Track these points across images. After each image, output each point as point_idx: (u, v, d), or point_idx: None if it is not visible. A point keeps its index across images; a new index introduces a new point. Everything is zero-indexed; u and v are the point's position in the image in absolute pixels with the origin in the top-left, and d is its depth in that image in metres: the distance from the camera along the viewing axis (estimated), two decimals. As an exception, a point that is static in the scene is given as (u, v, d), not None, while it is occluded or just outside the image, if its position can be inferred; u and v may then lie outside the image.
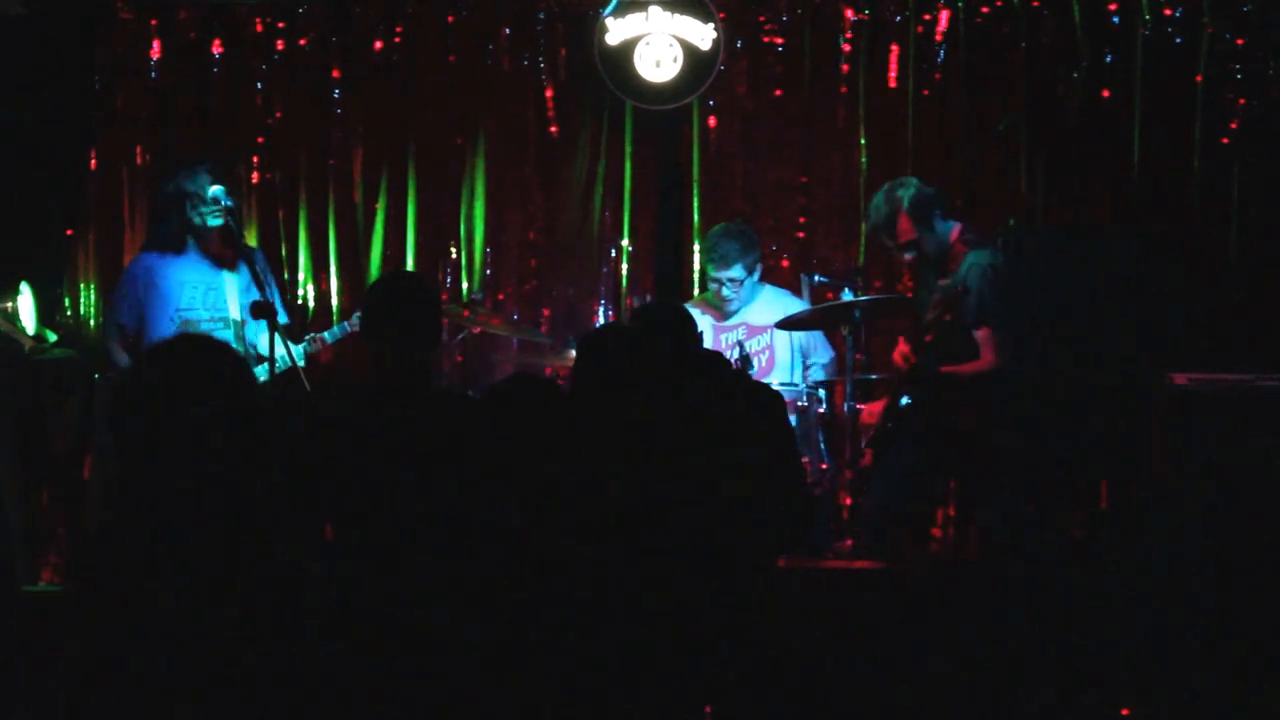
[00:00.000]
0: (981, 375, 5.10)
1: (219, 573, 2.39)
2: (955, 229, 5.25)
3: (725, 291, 5.76)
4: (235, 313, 5.21)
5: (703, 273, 6.25)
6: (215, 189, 5.05)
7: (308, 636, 2.47)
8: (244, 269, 5.12)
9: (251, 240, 6.23)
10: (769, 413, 3.73)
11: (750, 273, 5.76)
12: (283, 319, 5.01)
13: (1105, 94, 6.24)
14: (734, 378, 3.83)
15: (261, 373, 4.90)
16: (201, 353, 2.50)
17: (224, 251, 5.21)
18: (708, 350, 3.83)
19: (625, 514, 3.45)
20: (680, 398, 3.61)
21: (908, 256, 5.30)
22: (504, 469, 3.28)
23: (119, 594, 2.39)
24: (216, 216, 5.11)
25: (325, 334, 5.45)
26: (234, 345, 5.04)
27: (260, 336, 5.16)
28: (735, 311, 5.85)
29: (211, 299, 5.20)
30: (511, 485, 3.27)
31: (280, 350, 4.78)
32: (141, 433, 2.42)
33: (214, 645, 2.36)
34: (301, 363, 4.96)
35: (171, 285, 5.18)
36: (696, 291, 6.33)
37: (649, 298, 6.50)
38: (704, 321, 5.83)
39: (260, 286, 4.89)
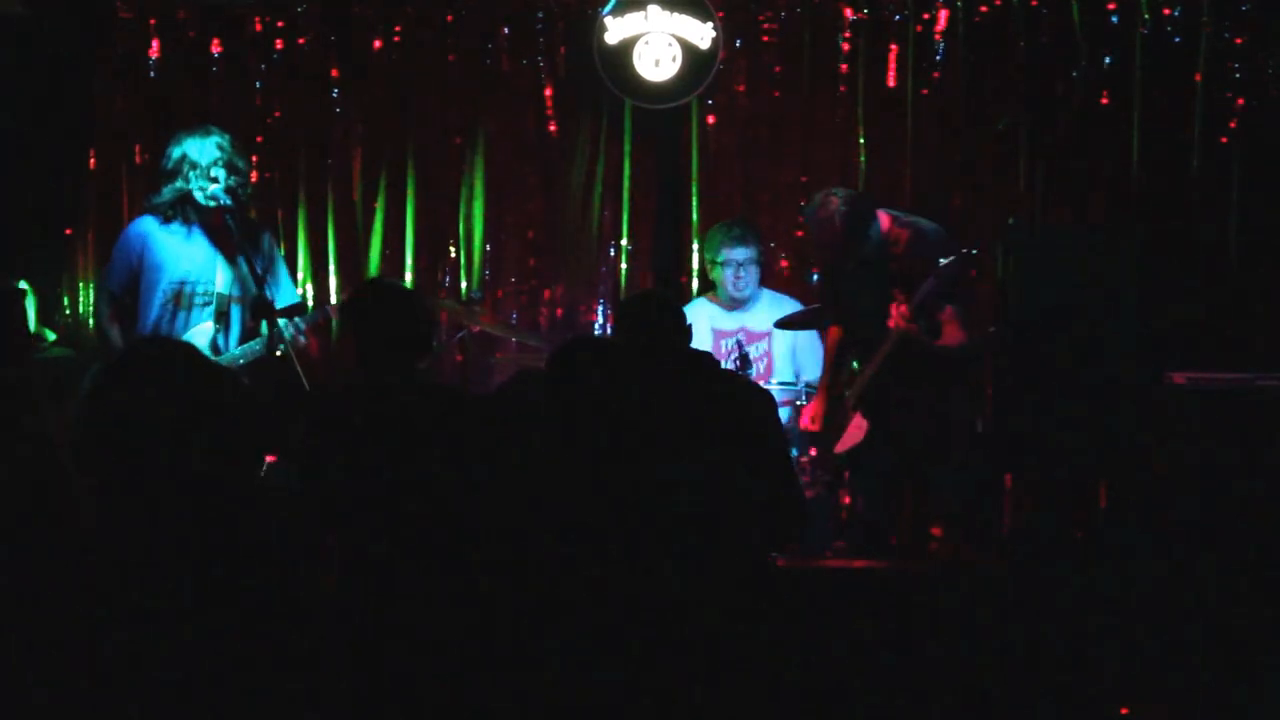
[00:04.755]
0: (960, 350, 5.16)
1: (208, 576, 2.39)
2: (884, 217, 5.28)
3: (740, 273, 5.75)
4: (222, 286, 5.10)
5: (702, 272, 6.26)
6: (215, 188, 4.98)
7: (305, 642, 2.47)
8: (236, 255, 5.08)
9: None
10: (756, 410, 3.73)
11: (758, 261, 5.78)
12: (294, 298, 5.13)
13: (1105, 94, 6.24)
14: (720, 376, 3.82)
15: (239, 351, 5.04)
16: (160, 366, 2.49)
17: (222, 224, 5.07)
18: (696, 350, 3.82)
19: (613, 513, 3.45)
20: (665, 397, 3.61)
21: (850, 266, 5.26)
22: (493, 465, 3.28)
23: (110, 594, 2.39)
24: (213, 199, 4.97)
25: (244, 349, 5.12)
26: (213, 322, 5.06)
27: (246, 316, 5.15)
28: (748, 299, 5.82)
29: (205, 272, 5.08)
30: (501, 482, 3.26)
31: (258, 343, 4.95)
32: (113, 448, 2.41)
33: (207, 646, 2.36)
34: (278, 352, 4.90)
35: (167, 253, 5.06)
36: (696, 290, 6.33)
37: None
38: (704, 326, 5.82)
39: (255, 276, 4.83)
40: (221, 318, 5.09)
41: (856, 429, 5.27)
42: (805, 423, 5.46)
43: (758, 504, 3.60)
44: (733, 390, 3.79)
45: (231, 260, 5.09)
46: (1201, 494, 4.84)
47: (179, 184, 5.02)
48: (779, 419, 3.82)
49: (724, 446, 3.59)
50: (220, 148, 5.03)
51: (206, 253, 5.09)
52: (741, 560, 3.60)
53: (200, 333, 5.06)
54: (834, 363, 5.58)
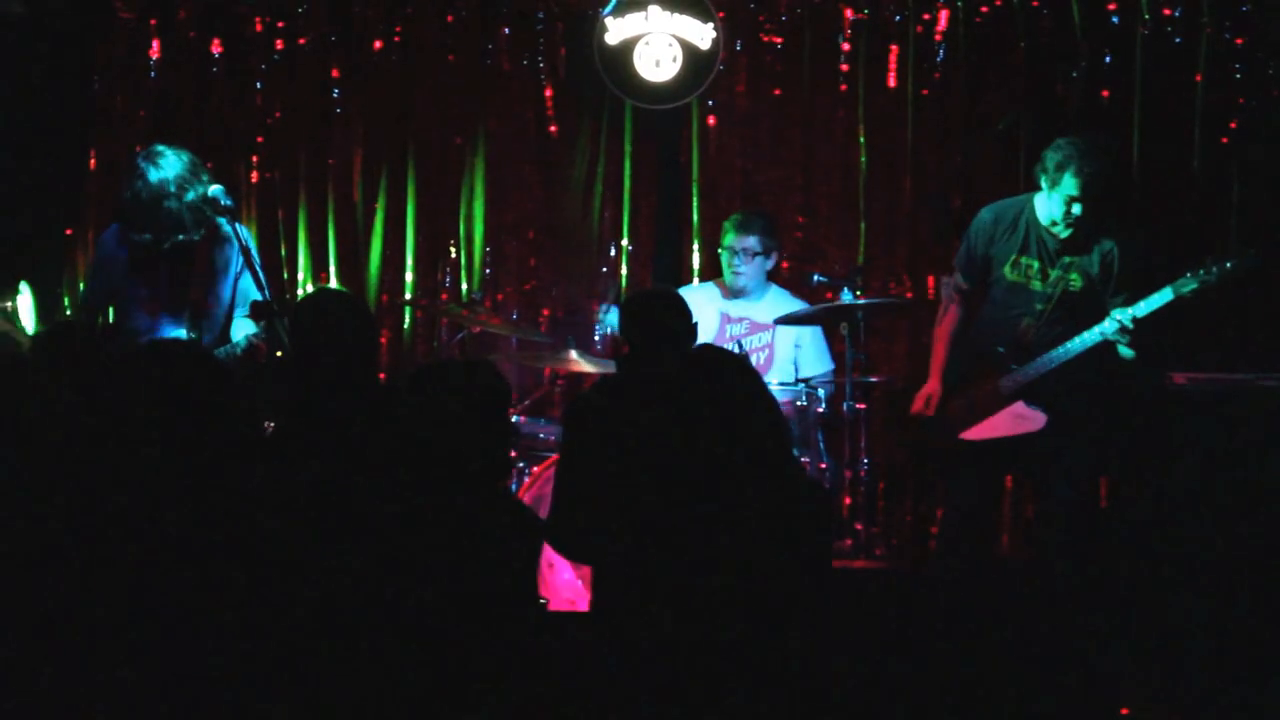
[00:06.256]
0: None
1: (209, 571, 2.39)
2: None
3: (737, 261, 5.77)
4: (195, 294, 5.10)
5: (703, 272, 6.27)
6: (215, 188, 4.97)
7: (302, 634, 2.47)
8: (220, 258, 5.12)
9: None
10: (757, 411, 3.71)
11: (766, 254, 5.80)
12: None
13: (1105, 94, 6.24)
14: (720, 376, 3.79)
15: (221, 352, 4.98)
16: (171, 360, 2.50)
17: (206, 231, 5.07)
18: (698, 348, 3.80)
19: (637, 521, 3.44)
20: (665, 402, 3.60)
21: (1074, 212, 4.92)
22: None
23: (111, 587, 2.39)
24: (212, 201, 4.93)
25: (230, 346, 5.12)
26: (182, 332, 5.06)
27: (232, 325, 5.16)
28: (744, 289, 5.83)
29: (175, 285, 5.10)
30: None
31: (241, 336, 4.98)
32: (121, 436, 2.42)
33: (204, 640, 2.36)
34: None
35: (137, 269, 5.09)
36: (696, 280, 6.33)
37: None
38: (712, 308, 5.84)
39: (257, 281, 4.83)
40: (196, 324, 5.09)
41: (1014, 419, 5.03)
42: (919, 405, 5.24)
43: (763, 505, 3.58)
44: (733, 391, 3.76)
45: (212, 267, 5.10)
46: (1202, 494, 4.83)
47: (161, 203, 4.95)
48: (782, 418, 3.79)
49: (725, 449, 3.57)
50: (194, 158, 5.04)
51: (182, 258, 5.09)
52: (744, 561, 3.58)
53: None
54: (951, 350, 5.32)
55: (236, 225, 4.93)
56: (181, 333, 5.08)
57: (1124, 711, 4.38)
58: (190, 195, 4.96)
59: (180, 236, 5.01)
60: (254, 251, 5.04)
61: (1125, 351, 4.90)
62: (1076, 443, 4.99)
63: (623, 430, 3.62)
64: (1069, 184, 4.87)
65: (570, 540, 3.73)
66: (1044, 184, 4.97)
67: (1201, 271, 4.76)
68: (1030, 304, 5.04)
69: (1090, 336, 4.86)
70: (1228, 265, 4.75)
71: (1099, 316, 4.89)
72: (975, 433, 5.08)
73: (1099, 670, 4.45)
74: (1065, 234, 4.99)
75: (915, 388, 5.35)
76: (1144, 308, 4.78)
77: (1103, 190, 4.90)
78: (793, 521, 3.54)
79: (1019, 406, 5.01)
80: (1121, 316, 4.79)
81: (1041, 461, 5.03)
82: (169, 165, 4.96)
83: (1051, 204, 4.96)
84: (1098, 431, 5.07)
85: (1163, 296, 4.78)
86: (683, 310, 3.90)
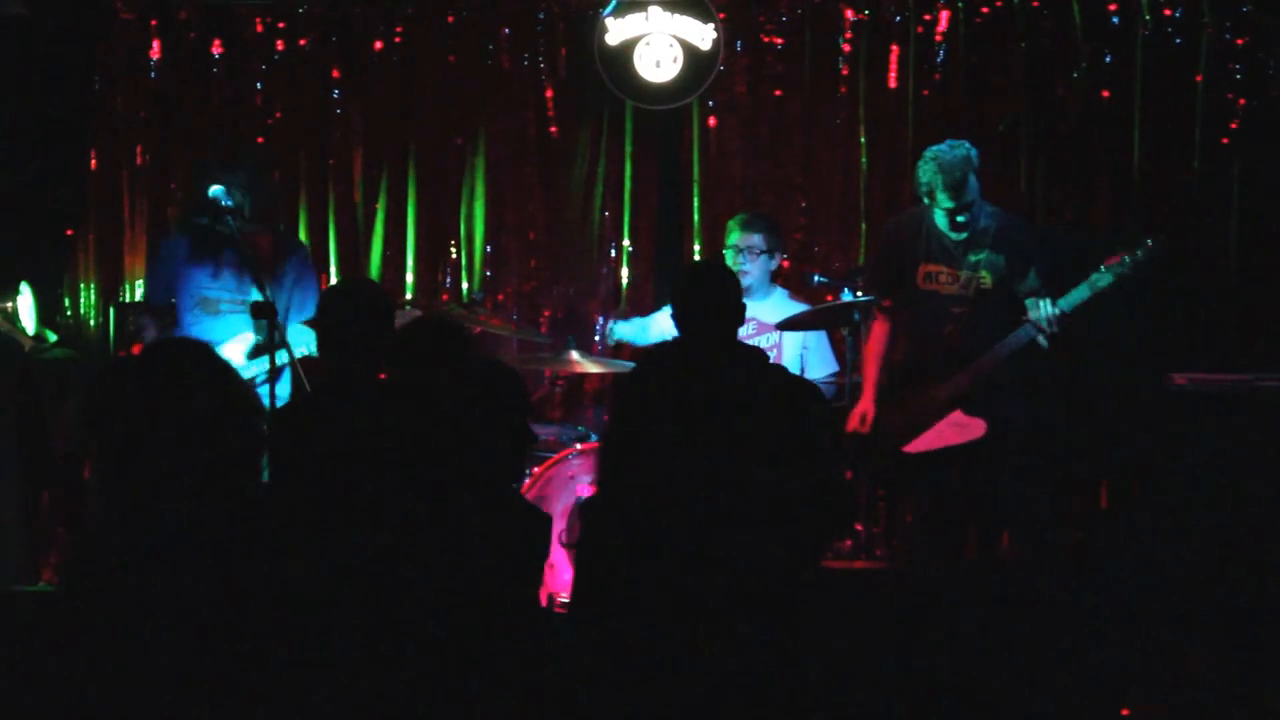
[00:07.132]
0: None
1: (211, 573, 2.39)
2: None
3: (742, 259, 5.75)
4: (255, 295, 5.18)
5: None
6: (215, 189, 5.01)
7: (304, 638, 2.47)
8: (275, 264, 5.22)
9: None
10: (812, 405, 3.70)
11: (770, 252, 5.78)
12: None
13: (1105, 94, 6.24)
14: (775, 371, 3.79)
15: (256, 365, 5.05)
16: (175, 359, 2.50)
17: (257, 237, 5.21)
18: (748, 346, 3.81)
19: (661, 507, 3.44)
20: (721, 387, 3.60)
21: (960, 220, 5.06)
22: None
23: (113, 594, 2.39)
24: (214, 200, 5.07)
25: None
26: (252, 331, 5.14)
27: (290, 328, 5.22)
28: (749, 288, 5.80)
29: (234, 281, 5.19)
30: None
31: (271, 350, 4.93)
32: (123, 437, 2.42)
33: (208, 644, 2.36)
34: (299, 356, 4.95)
35: (195, 265, 5.20)
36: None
37: (653, 297, 6.48)
38: None
39: (256, 281, 4.85)
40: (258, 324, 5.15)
41: (956, 428, 5.04)
42: (854, 424, 5.22)
43: (798, 500, 3.58)
44: (775, 383, 3.75)
45: (269, 271, 5.16)
46: (1201, 494, 4.83)
47: (217, 204, 5.09)
48: (828, 415, 3.78)
49: (765, 440, 3.57)
50: (246, 172, 5.22)
51: (234, 262, 5.17)
52: (773, 559, 3.57)
53: (241, 339, 5.14)
54: (885, 359, 5.34)
55: (278, 229, 5.10)
56: (250, 336, 5.13)
57: (1124, 712, 4.38)
58: (208, 188, 5.10)
59: (209, 233, 5.14)
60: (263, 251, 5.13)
61: (1040, 339, 4.97)
62: (1020, 457, 5.06)
63: (648, 417, 3.62)
64: (943, 200, 5.02)
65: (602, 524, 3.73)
66: (926, 202, 5.12)
67: (1116, 265, 4.86)
68: (947, 309, 5.10)
69: (1020, 336, 4.94)
70: (1139, 254, 4.86)
71: (1016, 309, 4.98)
72: (919, 444, 5.10)
73: (1099, 670, 4.45)
74: (962, 236, 5.10)
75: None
76: (1065, 304, 4.88)
77: (975, 190, 5.03)
78: (807, 521, 3.55)
79: (958, 415, 5.05)
80: (1048, 312, 4.86)
81: (993, 480, 5.06)
82: (225, 165, 5.23)
83: (939, 217, 5.10)
84: (1040, 438, 5.15)
85: (1080, 294, 4.88)
86: (727, 289, 3.88)
